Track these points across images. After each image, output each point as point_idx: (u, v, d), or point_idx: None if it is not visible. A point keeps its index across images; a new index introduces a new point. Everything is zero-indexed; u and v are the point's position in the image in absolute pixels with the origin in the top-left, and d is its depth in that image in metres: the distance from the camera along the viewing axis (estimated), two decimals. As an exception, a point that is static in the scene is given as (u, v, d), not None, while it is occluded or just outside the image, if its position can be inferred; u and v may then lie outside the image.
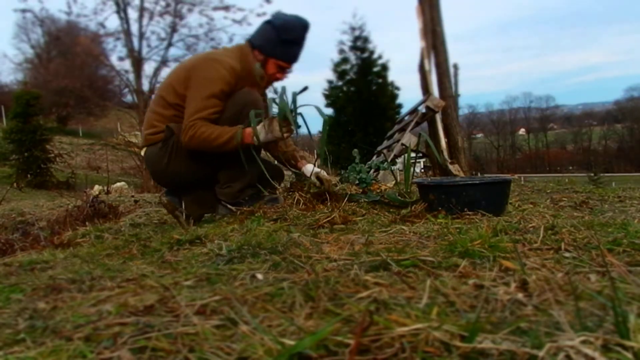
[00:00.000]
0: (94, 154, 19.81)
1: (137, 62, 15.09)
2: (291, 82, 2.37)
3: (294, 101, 2.00)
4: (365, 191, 2.30)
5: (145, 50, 15.37)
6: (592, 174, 13.84)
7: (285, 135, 2.01)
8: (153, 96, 2.34)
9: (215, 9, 14.98)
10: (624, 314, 0.63)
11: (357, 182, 2.35)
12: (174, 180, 2.26)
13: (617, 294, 0.67)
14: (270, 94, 2.37)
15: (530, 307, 0.77)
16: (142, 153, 2.33)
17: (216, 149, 2.04)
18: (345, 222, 1.72)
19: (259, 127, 2.00)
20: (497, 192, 1.81)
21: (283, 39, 2.18)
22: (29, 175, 11.82)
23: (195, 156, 2.13)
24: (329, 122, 1.99)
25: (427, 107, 5.34)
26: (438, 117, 5.32)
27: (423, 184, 1.92)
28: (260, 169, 2.21)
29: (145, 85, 15.31)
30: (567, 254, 1.08)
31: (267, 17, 2.31)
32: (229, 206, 2.15)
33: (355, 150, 2.47)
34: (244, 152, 2.02)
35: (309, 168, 2.34)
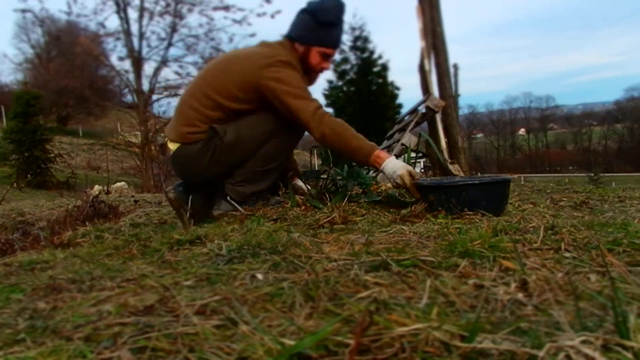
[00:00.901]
0: (94, 154, 19.81)
1: (137, 62, 15.08)
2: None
3: None
4: (365, 191, 2.30)
5: (145, 50, 15.37)
6: (592, 174, 13.86)
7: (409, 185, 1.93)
8: (195, 92, 2.13)
9: (215, 9, 14.96)
10: (624, 314, 0.63)
11: (358, 182, 2.35)
12: (204, 179, 2.20)
13: (617, 294, 0.67)
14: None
15: (530, 307, 0.77)
16: (171, 147, 2.19)
17: (346, 151, 2.00)
18: (345, 222, 1.72)
19: (403, 164, 1.95)
20: (497, 192, 1.81)
21: (321, 22, 2.10)
22: (29, 175, 11.83)
23: (236, 158, 2.10)
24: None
25: (427, 107, 5.34)
26: (438, 117, 5.32)
27: (423, 185, 1.91)
28: (275, 178, 2.23)
29: (145, 85, 15.30)
30: (567, 254, 1.08)
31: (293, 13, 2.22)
32: (234, 204, 2.12)
33: None
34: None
35: (299, 185, 2.35)
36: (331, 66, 2.34)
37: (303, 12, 2.16)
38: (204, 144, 2.09)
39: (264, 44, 2.23)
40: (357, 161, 2.07)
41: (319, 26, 2.10)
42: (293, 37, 2.15)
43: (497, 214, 1.71)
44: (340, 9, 2.15)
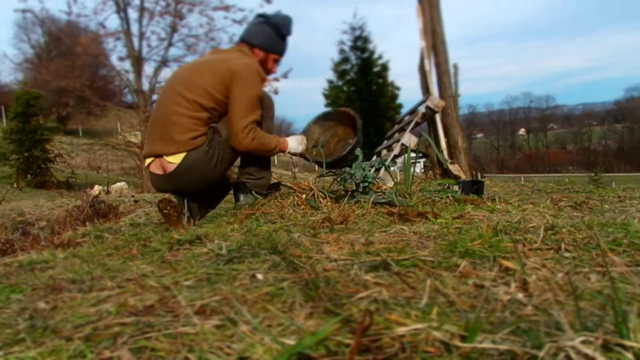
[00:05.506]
0: (94, 154, 19.77)
1: (137, 62, 15.07)
2: (292, 85, 2.47)
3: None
4: (365, 191, 2.30)
5: (145, 50, 15.32)
6: (592, 174, 13.82)
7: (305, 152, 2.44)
8: (176, 99, 2.18)
9: (215, 9, 14.92)
10: (624, 314, 0.63)
11: (361, 180, 2.35)
12: (211, 182, 2.30)
13: (617, 294, 0.67)
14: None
15: (530, 307, 0.77)
16: (172, 160, 2.16)
17: (265, 152, 2.32)
18: (345, 221, 1.71)
19: (293, 140, 2.44)
20: None
21: (281, 35, 2.41)
22: (29, 175, 11.81)
23: (233, 153, 2.27)
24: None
25: (427, 107, 5.34)
26: (438, 117, 5.32)
27: None
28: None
29: (145, 85, 15.26)
30: (567, 254, 1.08)
31: (255, 18, 2.48)
32: (257, 195, 2.29)
33: (359, 149, 2.47)
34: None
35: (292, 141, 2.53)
36: (331, 69, 2.68)
37: (263, 23, 2.41)
38: (208, 145, 2.19)
39: (218, 51, 2.49)
40: (273, 152, 2.37)
41: (280, 38, 2.43)
42: (256, 44, 2.39)
43: None
44: (292, 24, 2.49)
